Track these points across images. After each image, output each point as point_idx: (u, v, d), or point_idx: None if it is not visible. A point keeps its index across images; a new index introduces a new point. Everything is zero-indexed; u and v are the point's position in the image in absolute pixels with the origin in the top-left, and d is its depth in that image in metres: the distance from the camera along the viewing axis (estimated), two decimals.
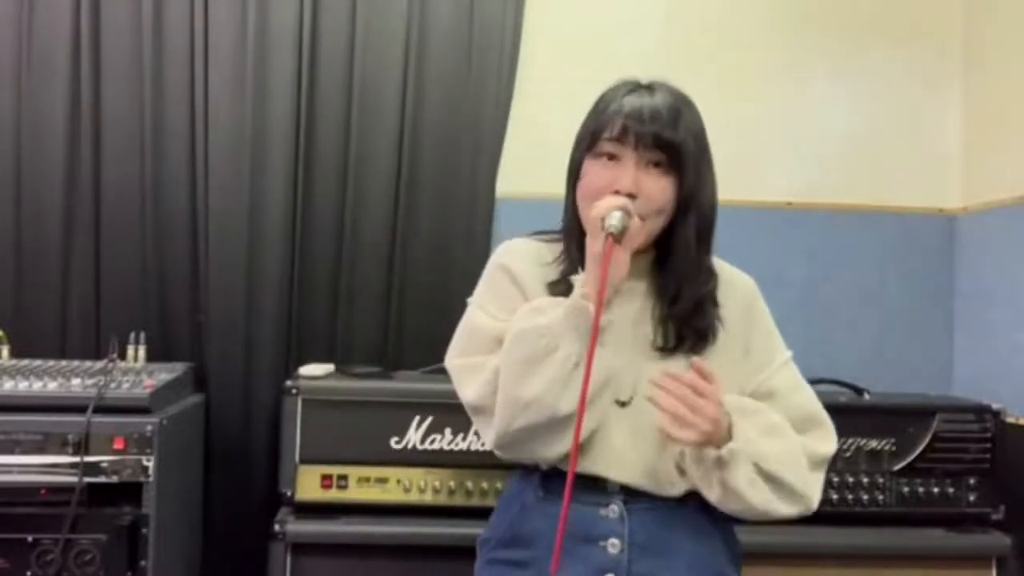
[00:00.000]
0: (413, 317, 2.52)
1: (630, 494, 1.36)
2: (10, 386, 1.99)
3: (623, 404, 1.36)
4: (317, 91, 2.52)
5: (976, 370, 2.60)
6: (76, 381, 2.03)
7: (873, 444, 2.18)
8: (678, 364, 1.37)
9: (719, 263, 1.48)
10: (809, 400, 1.46)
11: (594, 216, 1.29)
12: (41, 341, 2.41)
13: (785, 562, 2.09)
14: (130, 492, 1.93)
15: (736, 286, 1.48)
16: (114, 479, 1.91)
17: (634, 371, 1.36)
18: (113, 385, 2.01)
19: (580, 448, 1.29)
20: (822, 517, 2.12)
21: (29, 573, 1.88)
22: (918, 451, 2.18)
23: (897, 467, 2.18)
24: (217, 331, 2.47)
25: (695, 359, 1.32)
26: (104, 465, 1.91)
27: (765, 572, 2.08)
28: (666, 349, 1.38)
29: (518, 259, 1.45)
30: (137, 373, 2.14)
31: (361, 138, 2.52)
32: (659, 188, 1.34)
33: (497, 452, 1.40)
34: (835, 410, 2.14)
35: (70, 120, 2.45)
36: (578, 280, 1.32)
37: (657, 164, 1.35)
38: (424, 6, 2.54)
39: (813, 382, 2.27)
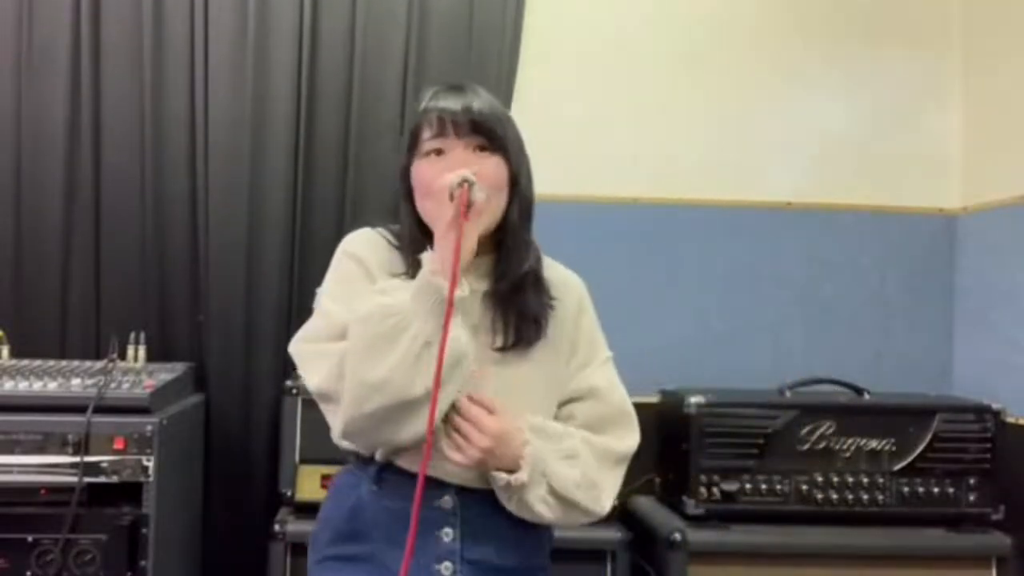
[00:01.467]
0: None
1: (462, 487, 1.38)
2: (10, 386, 1.99)
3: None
4: (317, 89, 2.52)
5: (976, 370, 2.60)
6: (76, 381, 2.03)
7: (873, 444, 2.18)
8: (517, 367, 1.39)
9: (552, 262, 1.51)
10: (622, 399, 1.49)
11: (440, 185, 1.30)
12: (41, 341, 2.41)
13: (785, 562, 2.09)
14: (130, 492, 1.93)
15: (569, 285, 1.50)
16: (114, 479, 1.91)
17: (475, 375, 1.36)
18: (113, 385, 2.01)
19: (413, 450, 1.32)
20: (822, 517, 2.15)
21: (29, 573, 1.88)
22: (918, 451, 2.18)
23: (897, 467, 2.18)
24: (217, 331, 2.47)
25: (466, 396, 1.33)
26: (104, 465, 1.91)
27: (765, 572, 2.09)
28: (504, 349, 1.39)
29: (364, 247, 1.46)
30: (137, 373, 2.14)
31: (361, 137, 2.52)
32: (492, 165, 1.38)
33: (344, 441, 1.39)
34: (835, 410, 2.19)
35: (69, 117, 2.45)
36: (427, 258, 1.31)
37: (482, 148, 1.38)
38: (424, 5, 2.54)
39: (813, 382, 2.31)
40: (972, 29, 2.72)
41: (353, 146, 2.52)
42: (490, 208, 1.35)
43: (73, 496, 1.87)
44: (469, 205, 1.28)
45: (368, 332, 1.28)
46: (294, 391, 2.13)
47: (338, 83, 2.52)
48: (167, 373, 2.18)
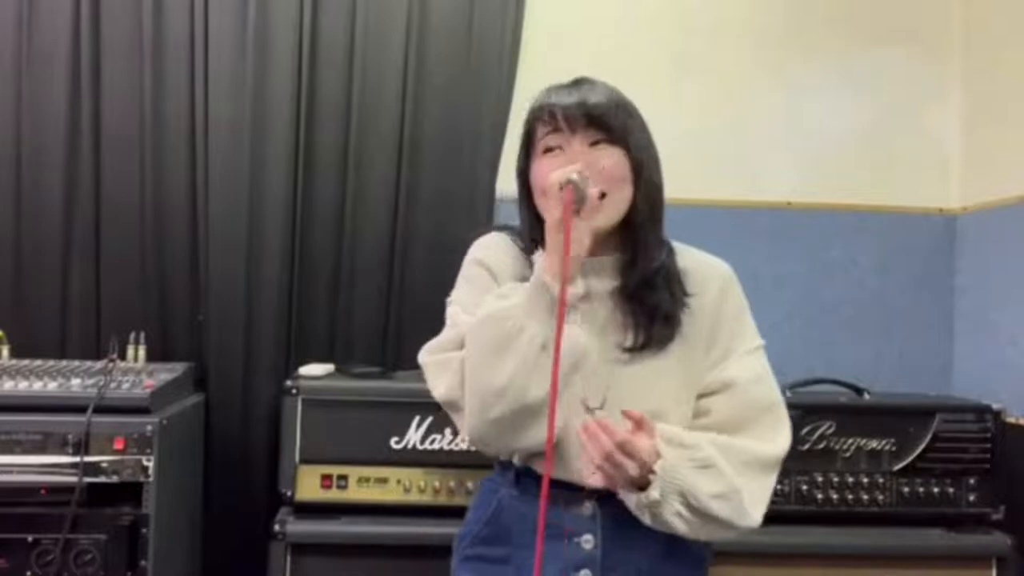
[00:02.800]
0: (413, 317, 2.51)
1: (602, 493, 1.35)
2: (10, 386, 1.99)
3: (594, 411, 1.34)
4: (317, 90, 2.52)
5: (976, 370, 2.60)
6: (76, 381, 2.03)
7: (873, 444, 2.18)
8: (648, 366, 1.35)
9: (691, 251, 1.46)
10: (768, 393, 1.41)
11: (550, 183, 1.26)
12: (41, 341, 2.41)
13: (785, 562, 2.09)
14: (130, 492, 1.93)
15: (710, 274, 1.44)
16: (114, 479, 1.91)
17: (605, 376, 1.34)
18: (113, 385, 2.01)
19: (553, 454, 1.28)
20: (822, 517, 2.15)
21: (29, 573, 1.88)
22: (918, 451, 2.18)
23: (897, 467, 2.18)
24: (217, 331, 2.47)
25: (624, 409, 1.27)
26: (104, 465, 1.91)
27: (765, 572, 2.08)
28: (633, 350, 1.35)
29: (493, 253, 1.43)
30: (137, 373, 2.14)
31: (361, 138, 2.52)
32: (612, 159, 1.33)
33: (475, 447, 1.38)
34: (835, 410, 2.19)
35: (69, 118, 2.45)
36: (539, 258, 1.29)
37: (600, 142, 1.34)
38: (424, 4, 2.54)
39: (813, 382, 2.31)
40: (972, 29, 2.71)
41: (353, 146, 2.52)
42: (611, 204, 1.32)
43: (73, 496, 1.87)
44: (580, 203, 1.23)
45: (484, 337, 1.27)
46: (294, 391, 2.13)
47: (338, 83, 2.52)
48: (167, 373, 2.18)
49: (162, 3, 2.47)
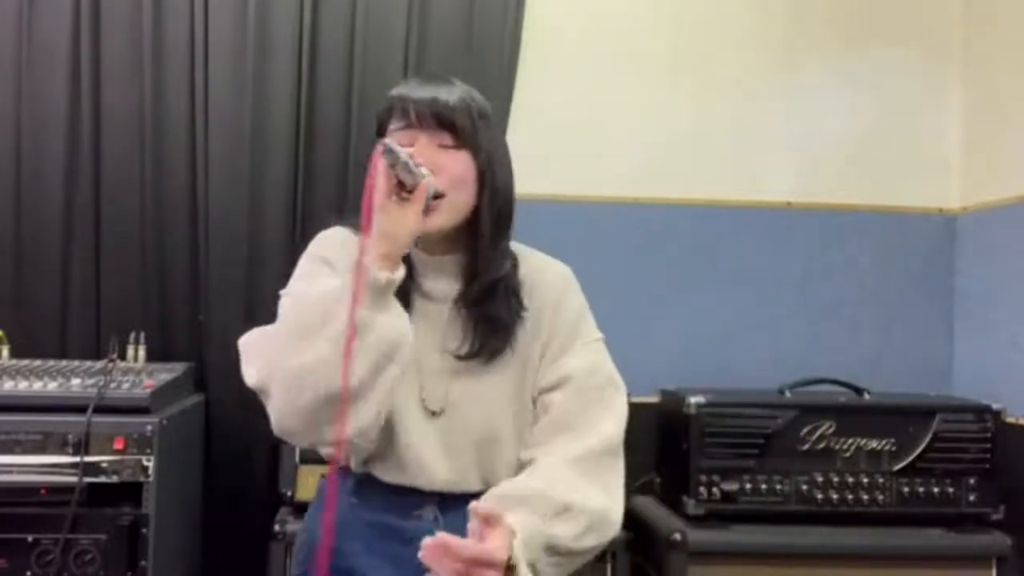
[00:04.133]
0: None
1: (444, 495, 1.33)
2: (10, 386, 1.99)
3: (434, 414, 1.33)
4: (317, 90, 2.52)
5: (976, 370, 2.60)
6: (76, 381, 2.03)
7: (873, 444, 2.18)
8: (479, 375, 1.33)
9: (532, 254, 1.43)
10: (606, 379, 1.38)
11: (375, 163, 1.22)
12: (41, 341, 2.41)
13: (785, 562, 2.09)
14: (130, 492, 1.93)
15: (546, 281, 1.41)
16: (114, 479, 1.91)
17: (445, 382, 1.33)
18: (113, 385, 2.01)
19: (387, 456, 1.27)
20: (822, 517, 2.15)
21: (29, 573, 1.88)
22: (918, 451, 2.18)
23: (897, 467, 2.18)
24: (217, 331, 2.47)
25: (473, 504, 1.16)
26: (104, 465, 1.91)
27: (765, 572, 2.09)
28: (466, 357, 1.33)
29: (331, 246, 1.40)
30: (137, 373, 2.14)
31: (362, 137, 2.51)
32: (454, 161, 1.30)
33: (282, 438, 1.31)
34: (835, 410, 2.19)
35: (69, 118, 2.45)
36: (361, 242, 1.24)
37: (448, 145, 1.31)
38: (424, 4, 2.54)
39: (813, 382, 2.31)
40: (972, 29, 2.71)
41: (354, 147, 2.51)
42: (449, 205, 1.29)
43: (73, 496, 1.87)
44: (404, 180, 1.20)
45: (296, 318, 1.22)
46: None
47: (338, 84, 2.52)
48: (167, 373, 2.18)
49: (162, 3, 2.47)
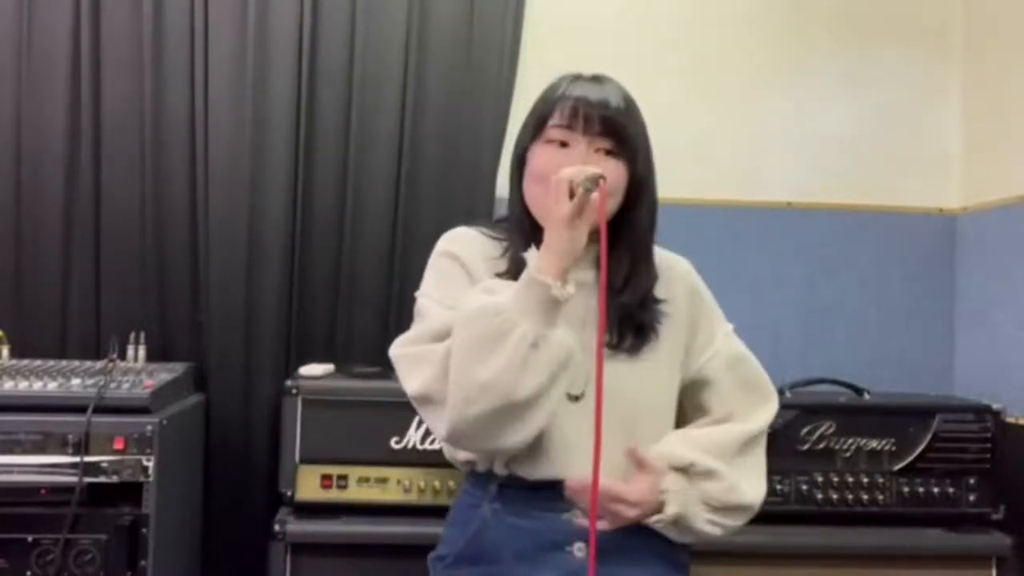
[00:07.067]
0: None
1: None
2: (10, 386, 1.99)
3: (575, 399, 1.33)
4: (317, 90, 2.52)
5: (976, 370, 2.60)
6: (76, 381, 2.03)
7: (873, 444, 2.18)
8: (631, 362, 1.37)
9: (657, 254, 1.47)
10: (748, 372, 1.48)
11: (561, 178, 1.24)
12: (41, 341, 2.41)
13: (785, 562, 2.09)
14: (130, 492, 1.93)
15: (677, 272, 1.47)
16: (114, 479, 1.91)
17: (586, 367, 1.33)
18: (113, 385, 2.01)
19: (534, 450, 1.30)
20: (822, 517, 2.15)
21: (29, 573, 1.88)
22: (918, 451, 2.18)
23: (897, 467, 2.18)
24: (217, 331, 2.47)
25: (628, 448, 1.33)
26: (104, 465, 1.91)
27: (765, 572, 2.09)
28: (610, 345, 1.35)
29: (465, 246, 1.41)
30: (137, 373, 2.14)
31: (361, 137, 2.52)
32: (613, 169, 1.32)
33: (449, 445, 1.35)
34: (835, 410, 2.19)
35: (69, 119, 2.45)
36: (532, 256, 1.26)
37: (607, 152, 1.34)
38: (424, 3, 2.53)
39: (813, 382, 2.31)
40: (972, 29, 2.71)
41: (354, 147, 2.52)
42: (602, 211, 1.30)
43: (73, 496, 1.87)
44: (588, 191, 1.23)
45: (474, 331, 1.23)
46: (294, 391, 2.13)
47: (338, 83, 2.52)
48: (167, 373, 2.18)
49: (162, 3, 2.47)
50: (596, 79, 1.39)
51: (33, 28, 2.44)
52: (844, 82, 2.72)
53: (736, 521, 1.40)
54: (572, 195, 1.23)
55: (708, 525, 1.36)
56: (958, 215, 2.71)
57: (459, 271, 1.38)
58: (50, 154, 2.45)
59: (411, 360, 1.35)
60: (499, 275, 1.35)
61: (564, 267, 1.23)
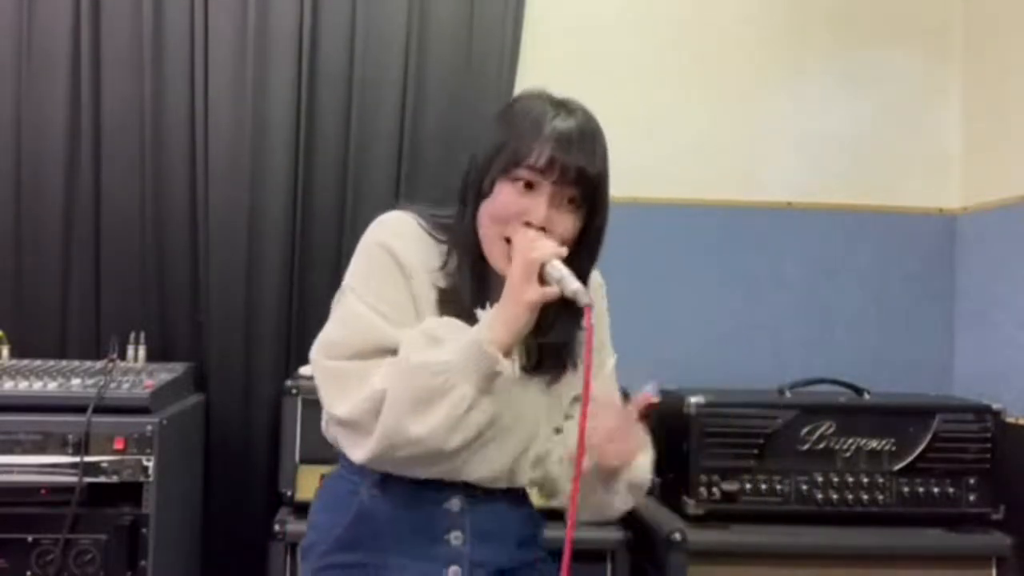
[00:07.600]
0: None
1: (468, 486, 1.35)
2: (10, 386, 1.99)
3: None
4: (317, 91, 2.52)
5: (976, 370, 2.60)
6: (76, 381, 2.03)
7: (873, 444, 2.18)
8: (536, 387, 1.37)
9: None
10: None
11: (534, 258, 1.23)
12: (41, 341, 2.41)
13: (785, 562, 2.09)
14: (130, 492, 1.93)
15: (597, 293, 1.45)
16: (114, 479, 1.92)
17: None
18: (113, 385, 2.01)
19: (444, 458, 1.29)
20: (822, 517, 2.15)
21: (29, 573, 1.89)
22: (918, 451, 2.18)
23: (897, 467, 2.18)
24: (217, 331, 2.47)
25: (645, 393, 1.33)
26: (104, 465, 1.91)
27: (765, 572, 2.08)
28: (526, 370, 1.35)
29: (406, 246, 1.33)
30: (137, 373, 2.14)
31: (361, 138, 2.52)
32: (567, 226, 1.29)
33: (365, 463, 1.32)
34: (835, 410, 2.19)
35: (70, 120, 2.45)
36: (484, 320, 1.26)
37: (571, 200, 1.29)
38: (424, 5, 2.54)
39: (813, 382, 2.31)
40: (972, 29, 2.72)
41: (354, 148, 2.52)
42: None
43: (73, 496, 1.87)
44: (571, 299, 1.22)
45: (414, 386, 1.23)
46: (294, 391, 2.13)
47: (338, 85, 2.52)
48: (167, 373, 2.18)
49: (162, 3, 2.47)
50: (568, 109, 1.31)
51: (33, 28, 2.45)
52: (844, 82, 2.72)
53: (624, 507, 1.44)
54: (541, 277, 1.23)
55: (636, 492, 1.41)
56: (958, 215, 2.71)
57: (396, 274, 1.32)
58: (50, 154, 2.45)
59: (337, 378, 1.30)
60: (441, 291, 1.32)
61: (513, 344, 1.25)
